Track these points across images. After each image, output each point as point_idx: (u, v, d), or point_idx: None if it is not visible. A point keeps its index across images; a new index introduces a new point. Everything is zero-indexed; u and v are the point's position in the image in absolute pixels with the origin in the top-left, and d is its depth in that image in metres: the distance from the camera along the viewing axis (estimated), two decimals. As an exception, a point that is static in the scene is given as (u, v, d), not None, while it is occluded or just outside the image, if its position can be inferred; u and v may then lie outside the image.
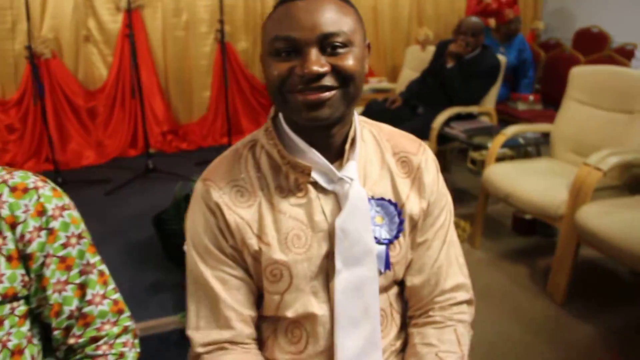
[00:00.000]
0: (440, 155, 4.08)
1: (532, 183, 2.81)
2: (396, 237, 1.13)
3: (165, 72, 4.87)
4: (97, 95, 4.70)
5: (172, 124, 4.89)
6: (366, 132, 1.18)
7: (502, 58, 3.93)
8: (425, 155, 1.19)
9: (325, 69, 0.96)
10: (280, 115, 1.11)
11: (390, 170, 1.16)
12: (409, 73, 4.62)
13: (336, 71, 0.98)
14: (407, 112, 3.92)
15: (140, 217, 3.29)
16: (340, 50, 0.98)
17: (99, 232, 3.24)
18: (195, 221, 1.10)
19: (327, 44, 0.97)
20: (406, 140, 1.20)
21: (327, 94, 0.98)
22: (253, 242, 1.07)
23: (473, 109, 3.84)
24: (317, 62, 0.95)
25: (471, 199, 3.78)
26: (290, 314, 1.09)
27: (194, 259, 1.10)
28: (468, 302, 1.22)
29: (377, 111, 3.91)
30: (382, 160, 1.16)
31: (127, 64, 4.66)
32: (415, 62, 4.63)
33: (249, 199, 1.08)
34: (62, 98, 4.56)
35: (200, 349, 1.08)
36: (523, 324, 2.50)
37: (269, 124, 1.12)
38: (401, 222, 1.13)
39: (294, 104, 1.00)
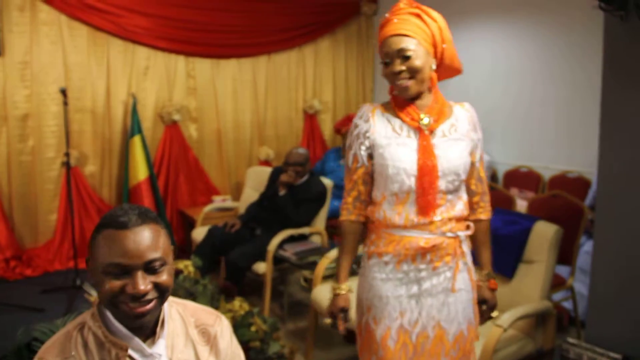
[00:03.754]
0: (279, 273, 4.45)
1: (352, 301, 3.22)
2: None
3: (9, 197, 4.90)
4: None
5: (15, 249, 4.86)
6: (174, 310, 1.52)
7: (327, 182, 4.47)
8: (220, 326, 1.56)
9: (150, 287, 1.32)
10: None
11: (193, 341, 1.51)
12: (250, 192, 5.03)
13: (157, 286, 1.33)
14: (246, 234, 4.30)
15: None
16: (159, 270, 1.34)
17: None
18: None
19: (150, 267, 1.32)
20: (205, 314, 1.57)
21: (150, 306, 1.33)
22: None
23: (305, 231, 4.28)
24: (144, 283, 1.31)
25: (306, 312, 4.14)
26: None
27: None
28: None
29: (218, 237, 4.26)
30: (186, 333, 1.51)
31: (-33, 190, 4.66)
32: (255, 181, 5.06)
33: None
34: None
35: None
36: None
37: (95, 310, 1.42)
38: None
39: (124, 312, 1.33)
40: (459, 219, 1.99)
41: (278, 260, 4.08)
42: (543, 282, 2.93)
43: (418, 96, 1.95)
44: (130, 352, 1.39)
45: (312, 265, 3.92)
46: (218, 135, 5.88)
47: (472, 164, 2.02)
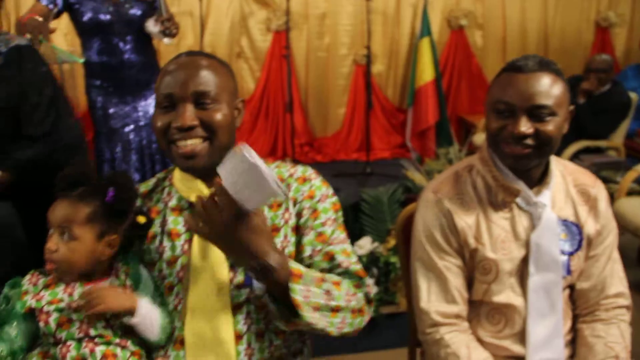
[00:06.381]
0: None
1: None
2: (576, 250, 1.47)
3: (306, 89, 5.34)
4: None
5: (308, 136, 5.34)
6: (554, 167, 1.52)
7: (633, 95, 4.10)
8: (599, 188, 1.54)
9: (531, 130, 1.34)
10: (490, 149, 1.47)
11: (573, 199, 1.50)
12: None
13: (538, 134, 1.36)
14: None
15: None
16: (545, 118, 1.36)
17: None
18: (427, 221, 1.47)
19: (535, 113, 1.34)
20: (584, 176, 1.56)
21: (527, 151, 1.37)
22: (472, 242, 1.43)
23: (602, 144, 4.03)
24: (525, 125, 1.34)
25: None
26: (494, 300, 1.44)
27: (426, 249, 1.46)
28: (627, 307, 1.55)
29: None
30: (566, 191, 1.51)
31: (273, 80, 5.16)
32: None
33: (469, 209, 1.45)
34: (214, 108, 5.10)
35: (436, 317, 1.44)
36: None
37: (485, 153, 1.48)
38: (581, 240, 1.47)
39: (504, 152, 1.39)
40: None
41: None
42: None
43: None
44: (516, 199, 1.45)
45: (607, 181, 3.71)
46: (503, 44, 5.69)
47: None
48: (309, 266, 1.35)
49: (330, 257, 1.35)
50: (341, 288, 1.26)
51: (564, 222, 1.47)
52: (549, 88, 1.34)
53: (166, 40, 2.91)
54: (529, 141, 1.35)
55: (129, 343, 1.30)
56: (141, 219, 1.37)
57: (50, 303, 1.27)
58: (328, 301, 1.20)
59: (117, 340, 1.28)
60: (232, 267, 1.32)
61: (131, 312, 1.27)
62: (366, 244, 2.53)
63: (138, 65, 3.06)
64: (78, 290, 1.29)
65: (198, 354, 1.29)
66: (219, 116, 1.30)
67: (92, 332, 1.27)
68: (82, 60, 2.98)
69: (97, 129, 3.19)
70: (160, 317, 1.32)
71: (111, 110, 3.09)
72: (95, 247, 1.31)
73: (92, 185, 1.33)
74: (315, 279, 1.21)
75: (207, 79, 1.31)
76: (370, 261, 2.52)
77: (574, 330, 1.54)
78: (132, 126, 3.10)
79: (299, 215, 1.38)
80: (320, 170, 1.50)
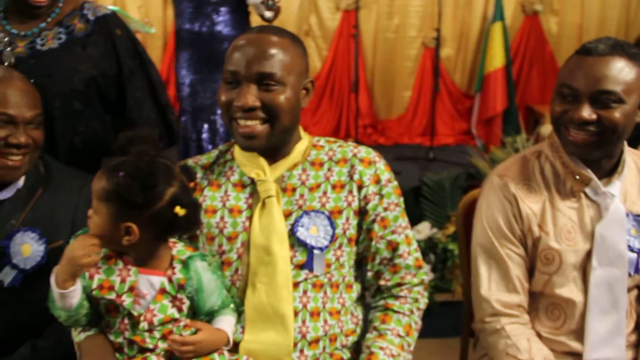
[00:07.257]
0: None
1: None
2: None
3: (373, 70, 5.29)
4: (309, 86, 5.23)
5: (372, 118, 5.29)
6: (629, 159, 1.46)
7: None
8: None
9: (594, 117, 1.31)
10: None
11: None
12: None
13: (600, 120, 1.32)
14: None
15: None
16: (611, 106, 1.31)
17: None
18: (491, 206, 1.44)
19: (599, 99, 1.31)
20: None
21: (588, 137, 1.34)
22: (536, 230, 1.40)
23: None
24: (587, 110, 1.32)
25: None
26: (555, 292, 1.40)
27: (488, 234, 1.43)
28: None
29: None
30: None
31: (340, 59, 5.13)
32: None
33: (535, 195, 1.42)
34: (279, 86, 5.14)
35: (497, 305, 1.42)
36: None
37: (555, 139, 1.44)
38: None
39: (565, 137, 1.36)
40: None
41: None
42: None
43: None
44: (585, 188, 1.40)
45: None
46: (579, 32, 5.44)
47: None
48: (368, 248, 1.40)
49: (394, 247, 1.40)
50: (412, 330, 1.43)
51: (636, 218, 1.42)
52: (618, 73, 1.28)
53: (267, 13, 2.80)
54: (592, 128, 1.30)
55: (164, 344, 1.26)
56: (180, 211, 1.21)
57: (100, 287, 1.24)
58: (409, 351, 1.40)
59: (151, 345, 1.24)
60: (292, 246, 1.34)
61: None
62: (425, 229, 2.51)
63: (229, 40, 2.83)
64: (131, 278, 1.24)
65: (258, 327, 1.31)
66: (281, 99, 1.30)
67: (127, 335, 1.25)
68: (153, 30, 2.98)
69: (182, 107, 3.05)
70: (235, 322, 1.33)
71: (199, 87, 2.98)
72: (109, 228, 1.21)
73: (119, 160, 1.20)
74: (398, 347, 1.37)
75: (274, 59, 1.30)
76: (428, 247, 2.49)
77: (639, 334, 1.49)
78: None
79: (365, 199, 1.39)
80: (382, 153, 1.50)
